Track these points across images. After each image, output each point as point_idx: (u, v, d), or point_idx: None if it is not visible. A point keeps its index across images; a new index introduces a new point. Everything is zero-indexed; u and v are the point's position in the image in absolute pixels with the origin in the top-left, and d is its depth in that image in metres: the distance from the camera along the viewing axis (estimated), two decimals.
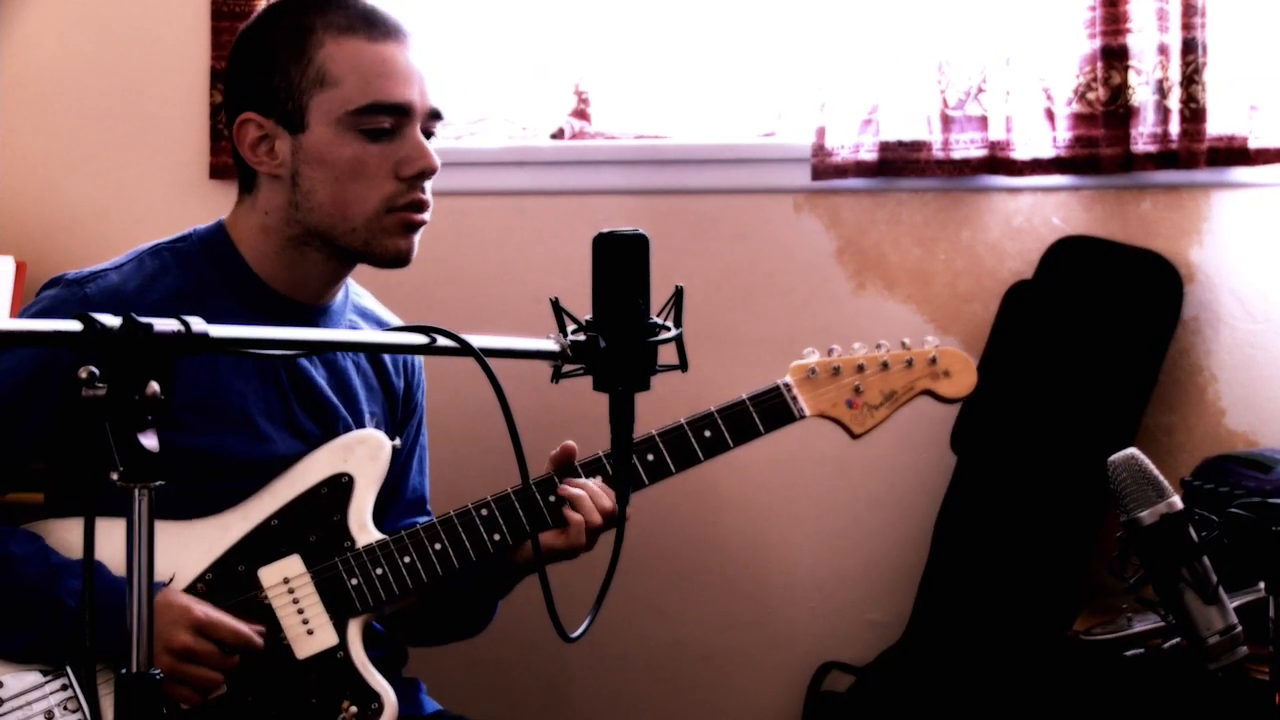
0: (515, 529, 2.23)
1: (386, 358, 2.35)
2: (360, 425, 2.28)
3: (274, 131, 2.16)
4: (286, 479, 2.20)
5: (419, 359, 2.41)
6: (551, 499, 2.27)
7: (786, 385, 2.33)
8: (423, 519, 2.37)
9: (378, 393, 2.33)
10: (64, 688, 2.07)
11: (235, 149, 2.22)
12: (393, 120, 2.15)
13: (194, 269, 2.21)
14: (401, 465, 2.40)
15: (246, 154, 2.19)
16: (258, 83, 2.17)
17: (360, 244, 2.17)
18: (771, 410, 2.31)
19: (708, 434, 2.29)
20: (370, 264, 2.22)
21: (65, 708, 2.07)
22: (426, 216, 2.19)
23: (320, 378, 2.25)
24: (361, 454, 2.22)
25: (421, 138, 2.17)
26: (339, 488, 2.20)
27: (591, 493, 2.26)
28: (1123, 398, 2.98)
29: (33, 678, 2.08)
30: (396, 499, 2.39)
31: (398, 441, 2.25)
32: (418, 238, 2.19)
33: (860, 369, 2.36)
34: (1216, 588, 1.87)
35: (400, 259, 2.19)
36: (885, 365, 2.37)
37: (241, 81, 2.20)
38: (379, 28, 2.16)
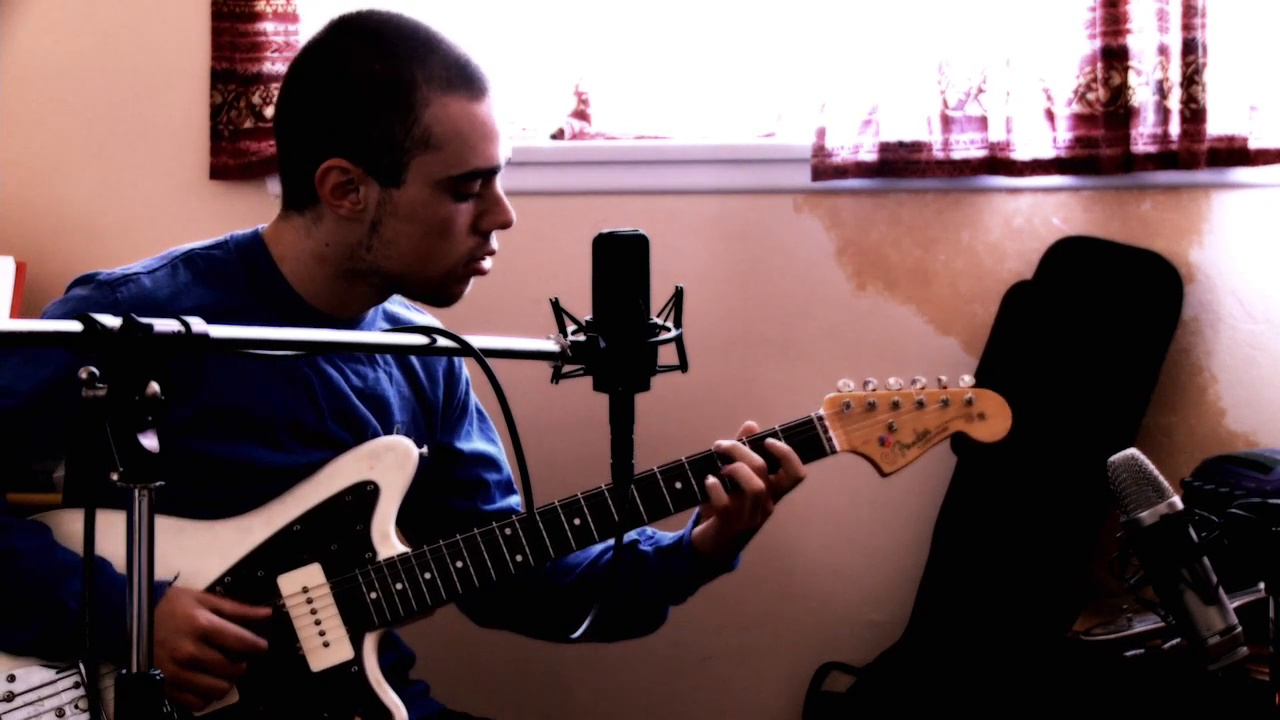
0: (538, 551, 2.21)
1: (420, 369, 2.33)
2: (390, 435, 2.26)
3: (362, 180, 2.12)
4: (311, 484, 2.18)
5: (459, 362, 2.40)
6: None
7: (820, 418, 2.30)
8: (515, 498, 2.40)
9: (410, 401, 2.31)
10: (76, 685, 2.07)
11: (289, 172, 2.18)
12: (482, 181, 2.15)
13: (229, 279, 2.19)
14: (469, 461, 2.39)
15: (326, 197, 2.14)
16: (351, 130, 2.11)
17: (430, 290, 2.20)
18: (803, 444, 2.27)
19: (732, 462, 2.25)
20: (426, 304, 2.25)
21: (77, 705, 2.07)
22: (491, 265, 2.21)
23: (350, 387, 2.23)
24: (389, 461, 2.19)
25: (501, 191, 2.17)
26: (363, 496, 2.18)
27: (745, 457, 2.23)
28: (1123, 398, 2.98)
29: (45, 674, 2.07)
30: (487, 490, 2.39)
31: (424, 450, 2.23)
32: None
33: (895, 406, 2.31)
34: (1216, 588, 1.87)
35: (455, 301, 2.22)
36: (920, 404, 2.32)
37: (329, 125, 2.13)
38: (476, 83, 2.13)
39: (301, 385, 2.19)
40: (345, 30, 2.17)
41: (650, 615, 2.38)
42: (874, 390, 2.32)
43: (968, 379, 2.35)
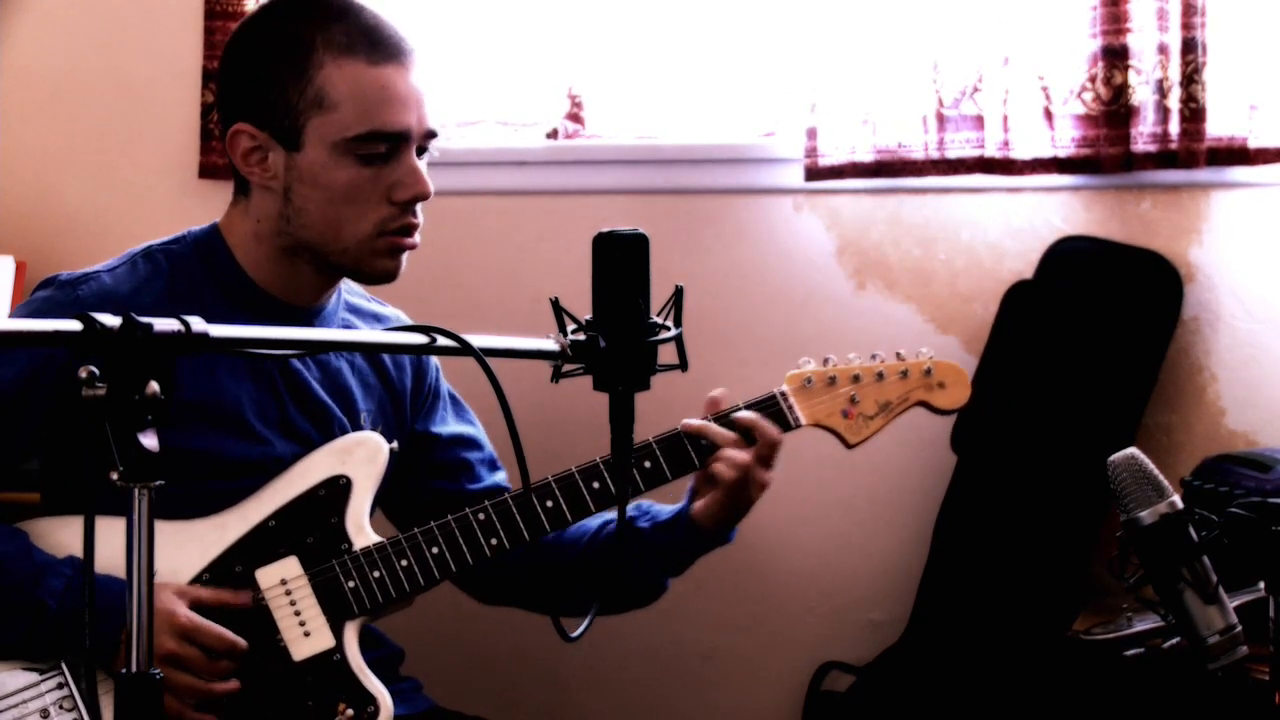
0: (513, 534, 2.23)
1: (385, 358, 2.35)
2: (356, 424, 2.28)
3: (267, 144, 2.15)
4: (284, 480, 2.20)
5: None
6: (703, 441, 2.27)
7: (783, 394, 2.34)
8: (501, 474, 2.42)
9: (375, 389, 2.33)
10: (59, 686, 2.07)
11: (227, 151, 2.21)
12: (388, 146, 2.14)
13: (188, 272, 2.21)
14: (448, 443, 2.40)
15: (239, 163, 2.18)
16: (253, 94, 2.15)
17: (350, 262, 2.19)
18: (767, 419, 2.30)
19: (703, 441, 2.28)
20: (357, 280, 2.26)
21: (61, 706, 2.06)
22: (417, 239, 2.20)
23: (314, 379, 2.25)
24: (360, 456, 2.22)
25: (416, 162, 2.17)
26: (336, 489, 2.20)
27: (714, 435, 2.26)
28: (1123, 398, 2.98)
29: (28, 676, 2.07)
30: (470, 470, 2.40)
31: (395, 444, 2.25)
32: (406, 257, 2.20)
33: (856, 379, 2.36)
34: (1216, 587, 1.87)
35: (387, 278, 2.21)
36: (881, 376, 2.37)
37: (236, 89, 2.19)
38: (380, 48, 2.14)
39: (264, 377, 2.21)
40: (265, 6, 2.22)
41: (650, 588, 2.40)
42: (834, 365, 2.36)
43: (926, 350, 2.38)
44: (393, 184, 2.15)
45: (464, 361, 1.64)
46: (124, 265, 2.21)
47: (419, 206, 2.18)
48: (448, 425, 2.42)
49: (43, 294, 2.18)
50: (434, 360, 2.42)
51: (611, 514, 2.31)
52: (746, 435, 2.28)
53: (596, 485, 2.25)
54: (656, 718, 3.32)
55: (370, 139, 2.13)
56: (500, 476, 2.44)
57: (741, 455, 2.25)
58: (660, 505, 2.36)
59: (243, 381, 2.19)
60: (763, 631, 3.25)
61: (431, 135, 2.19)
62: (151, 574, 1.44)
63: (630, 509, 2.33)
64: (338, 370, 2.28)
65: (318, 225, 2.16)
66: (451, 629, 2.98)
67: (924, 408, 2.41)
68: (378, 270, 2.19)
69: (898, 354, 2.39)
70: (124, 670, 1.41)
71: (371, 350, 2.26)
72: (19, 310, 2.19)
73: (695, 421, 2.28)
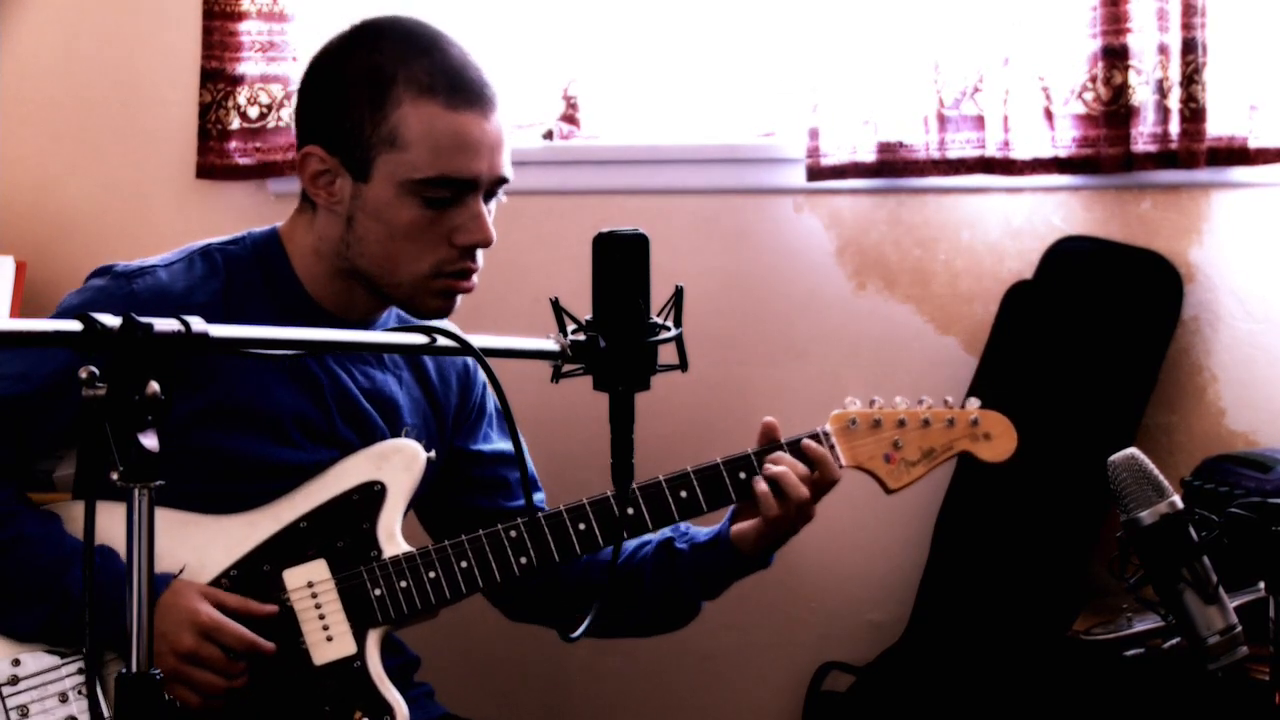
0: (543, 554, 2.22)
1: (432, 372, 2.34)
2: (397, 436, 2.27)
3: (337, 170, 2.15)
4: (319, 482, 2.20)
5: (475, 367, 2.39)
6: (741, 475, 2.25)
7: (826, 434, 2.31)
8: (539, 495, 2.41)
9: (420, 403, 2.32)
10: (80, 670, 2.09)
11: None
12: (454, 191, 2.13)
13: (244, 276, 2.21)
14: (490, 460, 2.39)
15: (306, 183, 2.18)
16: (329, 119, 2.15)
17: (403, 297, 2.19)
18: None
19: (743, 475, 2.26)
20: (408, 313, 2.25)
21: (80, 691, 2.09)
22: (473, 283, 2.19)
23: (359, 389, 2.25)
24: (396, 463, 2.21)
25: (482, 208, 2.16)
26: (370, 495, 2.19)
27: (790, 464, 2.24)
28: (1123, 398, 2.98)
29: (50, 659, 2.09)
30: (509, 488, 2.39)
31: (433, 453, 2.24)
32: (460, 299, 2.20)
33: (901, 424, 2.33)
34: (1216, 588, 1.87)
35: (438, 316, 2.21)
36: (927, 422, 2.34)
37: (313, 111, 2.19)
38: (460, 93, 2.12)
39: (310, 384, 2.21)
40: (357, 28, 2.21)
41: (684, 610, 2.38)
42: (880, 408, 2.34)
43: (975, 401, 2.37)
44: (455, 228, 2.15)
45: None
46: (181, 262, 2.20)
47: (479, 252, 2.18)
48: (491, 443, 2.41)
49: (98, 282, 2.18)
50: (482, 377, 2.40)
51: (645, 538, 2.31)
52: (810, 464, 2.26)
53: (632, 511, 2.23)
54: (656, 718, 3.32)
55: (437, 184, 2.12)
56: (538, 497, 2.42)
57: (802, 490, 2.23)
58: (697, 527, 2.34)
59: (288, 388, 2.19)
60: (763, 631, 3.25)
61: (502, 181, 2.17)
62: (152, 574, 1.43)
63: (667, 530, 2.31)
64: (384, 382, 2.28)
65: (376, 257, 2.16)
66: (454, 631, 2.97)
67: (968, 457, 2.37)
68: (429, 309, 2.19)
69: (945, 400, 2.37)
70: (123, 670, 1.41)
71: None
72: (71, 297, 2.18)
73: (781, 466, 2.24)
